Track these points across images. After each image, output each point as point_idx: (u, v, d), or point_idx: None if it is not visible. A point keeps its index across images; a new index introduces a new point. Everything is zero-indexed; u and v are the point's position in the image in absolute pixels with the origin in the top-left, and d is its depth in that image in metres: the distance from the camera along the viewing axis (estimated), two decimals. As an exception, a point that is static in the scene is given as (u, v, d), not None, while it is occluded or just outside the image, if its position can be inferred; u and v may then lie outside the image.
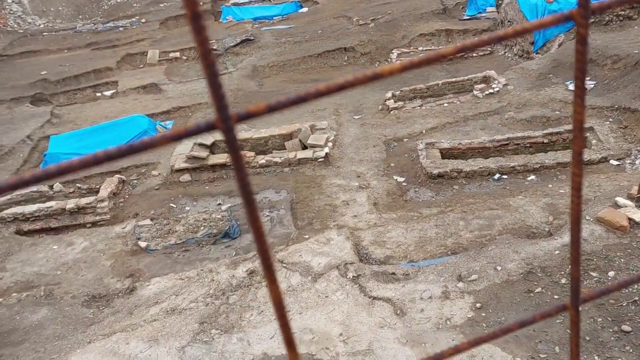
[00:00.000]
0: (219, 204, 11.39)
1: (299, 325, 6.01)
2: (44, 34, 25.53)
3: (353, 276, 7.02)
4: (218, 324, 6.41)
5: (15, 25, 26.80)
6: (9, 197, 11.71)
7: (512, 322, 0.62)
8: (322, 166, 11.74)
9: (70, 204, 11.23)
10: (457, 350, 0.56)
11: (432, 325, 5.91)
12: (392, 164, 11.49)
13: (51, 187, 12.18)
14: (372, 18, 20.58)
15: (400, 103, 14.00)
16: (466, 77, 14.43)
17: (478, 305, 6.51)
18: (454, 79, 14.53)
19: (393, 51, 18.17)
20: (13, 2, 27.19)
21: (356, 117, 13.91)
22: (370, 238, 8.89)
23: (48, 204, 11.24)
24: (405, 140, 12.35)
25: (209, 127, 0.44)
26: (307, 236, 9.39)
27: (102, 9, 28.05)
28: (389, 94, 14.37)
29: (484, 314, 6.37)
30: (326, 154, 11.81)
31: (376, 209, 9.94)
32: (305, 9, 23.82)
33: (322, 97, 0.45)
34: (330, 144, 12.18)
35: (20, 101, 17.64)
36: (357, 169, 11.44)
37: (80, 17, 27.53)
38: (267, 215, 10.72)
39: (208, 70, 0.41)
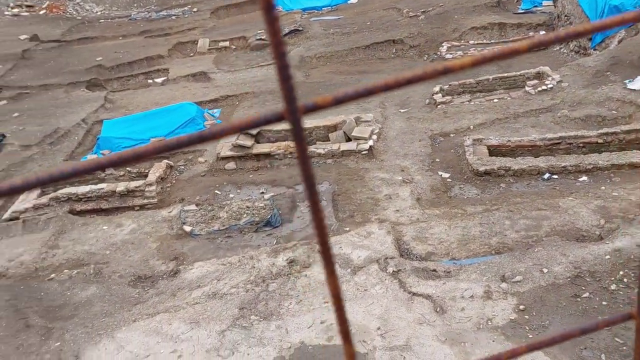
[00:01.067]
0: (262, 193, 11.53)
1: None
2: (101, 21, 26.40)
3: (393, 271, 6.98)
4: (257, 311, 6.52)
5: (74, 12, 27.82)
6: (64, 177, 12.22)
7: (574, 327, 0.59)
8: (366, 159, 11.68)
9: (120, 187, 11.62)
10: (515, 353, 0.54)
11: (473, 324, 5.80)
12: (438, 160, 11.31)
13: (103, 169, 12.64)
14: (422, 10, 20.22)
15: (448, 97, 13.74)
16: (518, 73, 13.99)
17: (521, 307, 6.34)
18: (505, 74, 14.12)
19: (443, 44, 17.81)
20: (73, -10, 28.22)
21: (402, 110, 13.75)
22: (412, 233, 8.80)
23: (99, 185, 11.68)
24: (452, 135, 12.12)
25: (276, 118, 0.44)
26: (347, 229, 9.39)
27: (156, -3, 28.72)
28: (437, 88, 14.12)
29: (527, 317, 6.21)
30: (370, 146, 11.75)
31: (419, 205, 9.82)
32: (354, 0, 23.65)
33: (390, 90, 0.44)
34: (374, 137, 12.10)
35: (76, 86, 18.34)
36: (401, 163, 11.32)
37: (135, 5, 28.28)
38: (309, 206, 10.76)
39: (279, 61, 0.41)
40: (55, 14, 27.30)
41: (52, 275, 9.06)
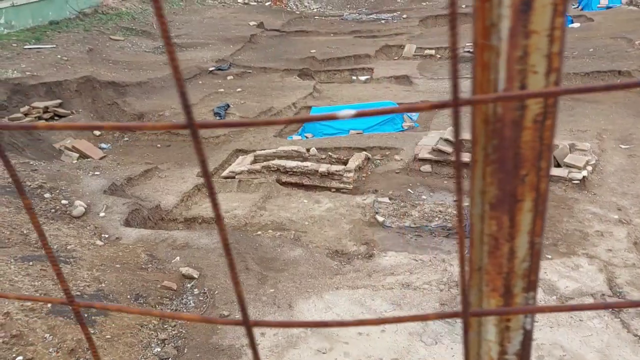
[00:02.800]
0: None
1: (549, 338, 5.76)
2: (315, 17, 28.48)
3: (613, 309, 6.43)
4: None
5: (294, 7, 30.43)
6: (274, 151, 13.50)
7: None
8: (576, 189, 10.90)
9: (323, 168, 12.46)
10: None
11: None
12: (664, 206, 10.08)
13: (308, 150, 13.66)
14: (659, 43, 18.13)
15: (684, 141, 12.15)
16: None
17: None
18: None
19: (680, 83, 15.75)
20: (296, -13, 30.86)
21: (623, 146, 12.52)
22: (627, 278, 8.00)
23: (305, 163, 12.65)
24: (684, 183, 10.71)
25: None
26: (549, 256, 8.88)
27: (369, 1, 30.08)
28: (670, 129, 12.58)
29: None
30: (583, 177, 10.92)
31: (637, 249, 8.88)
32: (576, 25, 22.09)
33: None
34: (589, 168, 11.22)
35: (290, 72, 20.07)
36: (618, 202, 10.33)
37: (348, 6, 29.94)
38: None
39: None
40: (277, 6, 30.14)
41: (259, 232, 10.09)
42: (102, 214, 9.70)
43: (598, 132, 13.31)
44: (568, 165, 11.37)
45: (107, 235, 8.96)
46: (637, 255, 8.73)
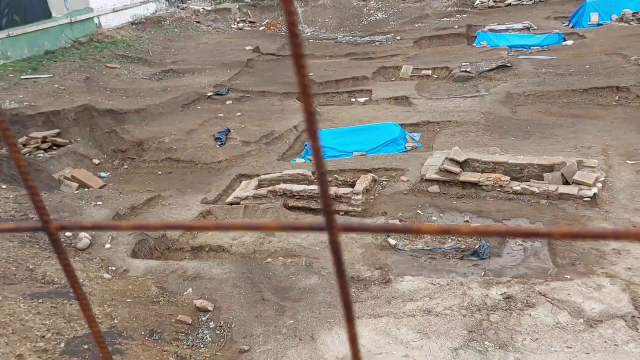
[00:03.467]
0: (467, 221, 11.28)
1: (587, 364, 5.58)
2: (310, 41, 28.62)
3: (648, 332, 6.25)
4: (489, 338, 6.30)
5: (288, 32, 30.60)
6: (279, 175, 13.33)
7: None
8: (587, 207, 10.79)
9: (331, 191, 12.27)
10: None
11: None
12: (678, 222, 9.99)
13: (313, 173, 13.51)
14: (654, 58, 18.30)
15: (690, 156, 12.14)
16: None
17: None
18: None
19: (679, 97, 15.87)
20: (290, 11, 31.12)
21: (630, 162, 12.48)
22: (651, 297, 7.84)
23: (312, 187, 12.48)
24: (696, 197, 10.65)
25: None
26: (568, 277, 8.71)
27: (362, 24, 30.33)
28: (676, 144, 12.57)
29: None
30: (594, 194, 10.83)
31: (657, 267, 8.73)
32: (570, 42, 22.34)
33: None
34: (599, 185, 11.14)
35: (289, 96, 20.03)
36: (631, 219, 10.23)
37: (342, 29, 30.18)
38: (521, 245, 10.26)
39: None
40: (272, 31, 30.32)
41: (269, 260, 9.85)
42: (108, 246, 9.43)
43: (603, 148, 13.28)
44: (577, 183, 11.29)
45: (114, 268, 8.68)
46: (658, 273, 8.58)
